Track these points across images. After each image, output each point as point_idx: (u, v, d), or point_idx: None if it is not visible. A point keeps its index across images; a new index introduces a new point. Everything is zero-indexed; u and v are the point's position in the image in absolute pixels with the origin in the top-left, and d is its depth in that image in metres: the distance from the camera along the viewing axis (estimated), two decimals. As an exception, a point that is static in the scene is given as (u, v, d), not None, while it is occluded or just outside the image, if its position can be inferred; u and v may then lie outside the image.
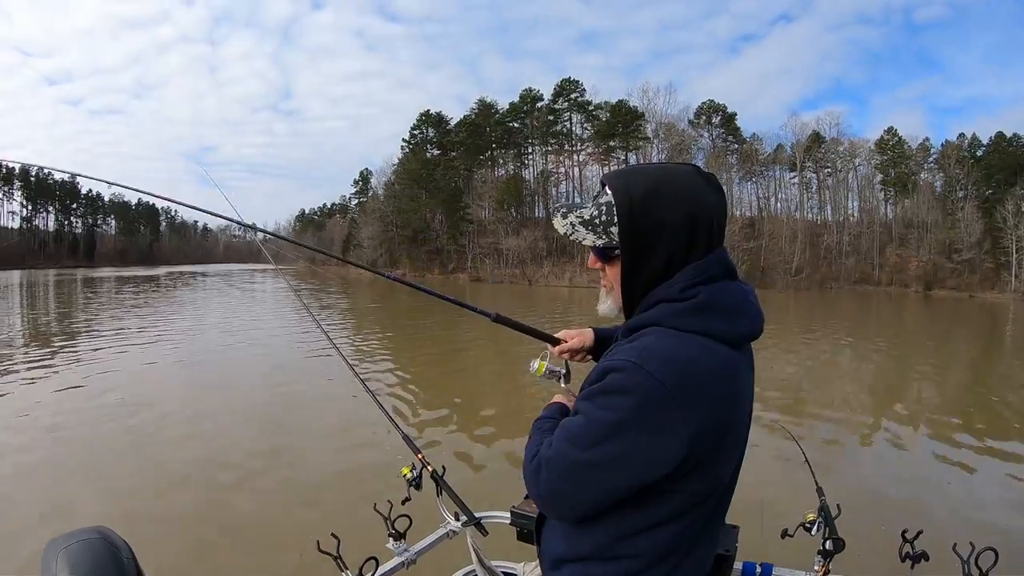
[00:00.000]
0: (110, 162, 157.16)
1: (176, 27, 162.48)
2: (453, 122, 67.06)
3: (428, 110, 68.39)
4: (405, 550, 1.96)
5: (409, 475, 2.07)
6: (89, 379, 10.14)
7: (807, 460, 2.36)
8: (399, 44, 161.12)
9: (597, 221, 1.16)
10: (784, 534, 1.89)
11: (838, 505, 1.95)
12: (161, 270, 77.46)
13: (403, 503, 2.00)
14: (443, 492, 2.11)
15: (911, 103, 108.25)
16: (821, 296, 49.59)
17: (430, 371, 12.25)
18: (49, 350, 14.02)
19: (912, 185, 59.88)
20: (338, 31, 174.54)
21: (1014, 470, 6.65)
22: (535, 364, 1.69)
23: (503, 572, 2.10)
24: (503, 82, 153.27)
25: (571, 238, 1.20)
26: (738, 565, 1.85)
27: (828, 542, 1.81)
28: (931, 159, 62.10)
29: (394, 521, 1.95)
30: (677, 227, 1.10)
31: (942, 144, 61.45)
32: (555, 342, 1.67)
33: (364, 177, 73.44)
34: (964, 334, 25.16)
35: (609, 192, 1.15)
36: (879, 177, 61.68)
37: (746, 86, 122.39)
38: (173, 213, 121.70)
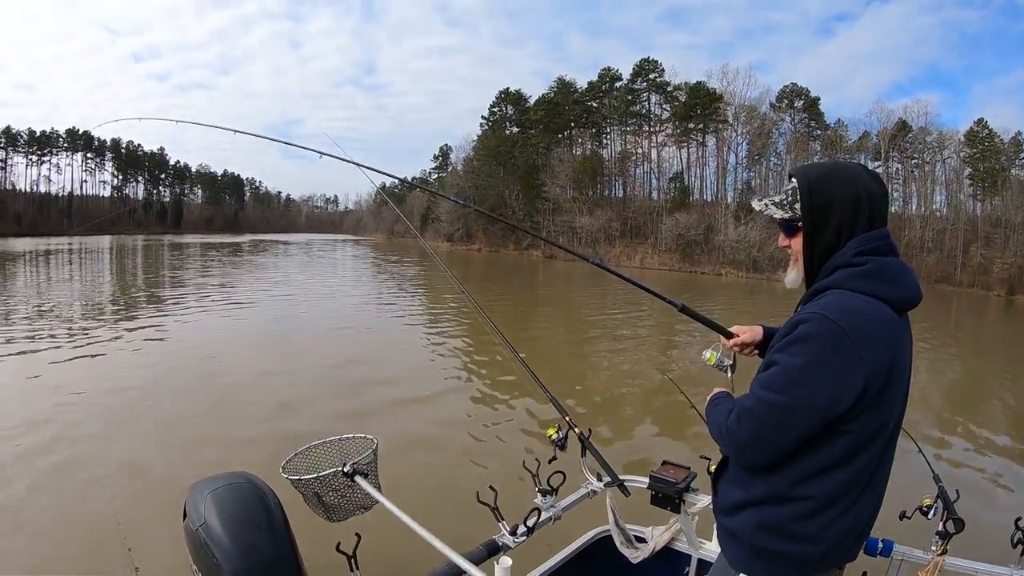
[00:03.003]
0: (195, 134, 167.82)
1: (259, 4, 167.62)
2: (532, 100, 67.71)
3: (508, 88, 69.39)
4: (552, 505, 2.06)
5: (555, 436, 2.16)
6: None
7: (920, 450, 2.46)
8: (480, 19, 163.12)
9: (784, 201, 1.47)
10: (903, 516, 2.01)
11: (957, 491, 2.05)
12: (245, 237, 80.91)
13: (549, 462, 2.10)
14: (587, 453, 2.22)
15: (1011, 92, 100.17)
16: None
17: (549, 344, 12.97)
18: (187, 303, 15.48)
19: (1001, 182, 57.40)
20: (419, 6, 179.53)
21: None
22: (707, 353, 1.81)
23: (635, 535, 2.27)
24: (585, 59, 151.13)
25: (765, 214, 1.49)
26: None
27: (948, 523, 1.92)
28: (1023, 154, 59.28)
29: (548, 478, 2.05)
30: (845, 204, 1.37)
31: None
32: (728, 335, 1.79)
33: (444, 152, 76.21)
34: None
35: (794, 180, 1.46)
36: (967, 171, 59.01)
37: (836, 70, 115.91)
38: (258, 183, 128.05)
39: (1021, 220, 55.11)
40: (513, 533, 1.86)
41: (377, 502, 1.89)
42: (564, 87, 66.08)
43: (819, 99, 58.70)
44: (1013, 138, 58.99)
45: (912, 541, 2.03)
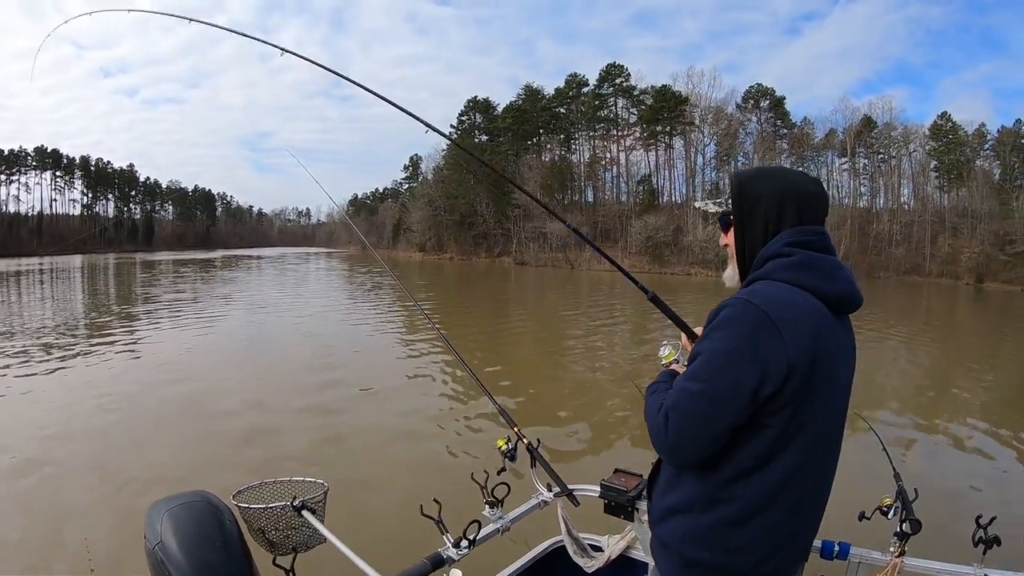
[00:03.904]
0: (166, 150, 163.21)
1: (228, 16, 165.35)
2: (500, 108, 67.96)
3: (476, 96, 69.60)
4: (500, 517, 2.04)
5: (504, 447, 2.15)
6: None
7: (884, 448, 2.43)
8: (450, 27, 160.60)
9: (721, 199, 1.56)
10: (861, 516, 1.98)
11: (915, 490, 2.03)
12: (217, 253, 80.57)
13: (498, 473, 2.07)
14: (537, 464, 2.21)
15: (976, 86, 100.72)
16: (869, 286, 48.57)
17: (502, 352, 12.87)
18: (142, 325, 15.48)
19: (967, 173, 58.03)
20: (389, 15, 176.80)
21: None
22: (665, 351, 1.78)
23: (589, 543, 2.25)
24: (555, 65, 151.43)
25: (703, 210, 1.60)
26: (817, 543, 1.91)
27: (905, 524, 1.89)
28: (987, 146, 59.86)
29: (492, 489, 2.02)
30: (772, 200, 1.41)
31: (998, 130, 59.01)
32: (692, 335, 1.73)
33: (414, 162, 75.84)
34: (1019, 330, 25.02)
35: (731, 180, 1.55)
36: (933, 164, 59.62)
37: (804, 69, 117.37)
38: (229, 198, 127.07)
39: (987, 210, 55.85)
40: (456, 546, 1.83)
41: (322, 541, 1.91)
42: (532, 94, 66.45)
43: (784, 98, 59.88)
44: (977, 130, 59.96)
45: (876, 542, 1.97)
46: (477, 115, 68.78)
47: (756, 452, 1.31)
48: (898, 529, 1.91)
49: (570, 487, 2.20)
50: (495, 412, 2.36)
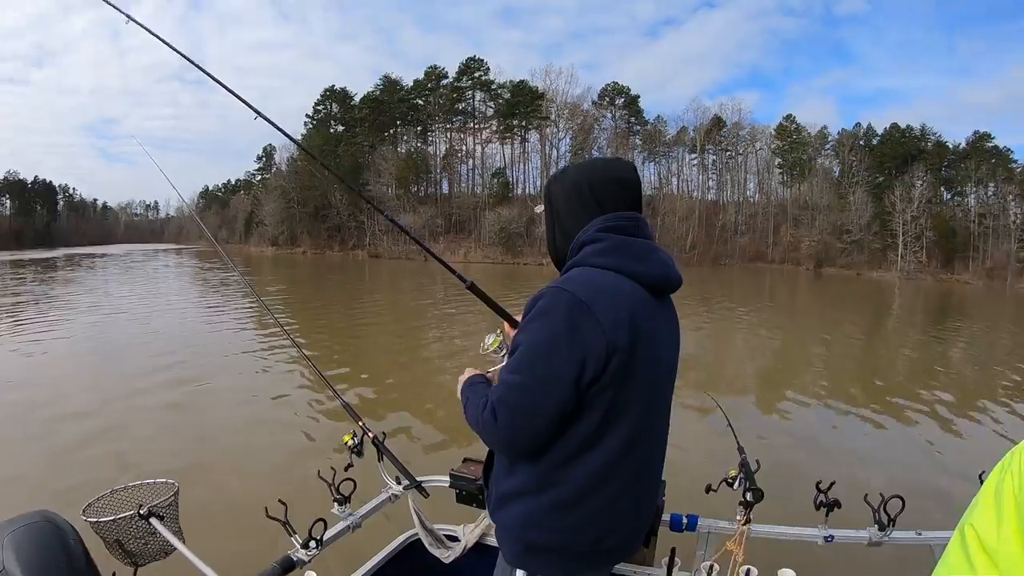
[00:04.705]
0: (3, 136, 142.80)
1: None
2: (358, 98, 65.65)
3: (333, 85, 66.78)
4: (350, 514, 2.00)
5: (351, 442, 2.13)
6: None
7: (729, 424, 2.49)
8: (312, 12, 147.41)
9: (544, 201, 1.51)
10: (708, 489, 2.02)
11: (757, 461, 2.07)
12: (59, 252, 73.32)
13: (346, 469, 2.02)
14: (384, 457, 2.18)
15: (824, 92, 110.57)
16: (715, 272, 50.86)
17: (354, 345, 12.37)
18: None
19: (808, 170, 62.02)
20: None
21: (917, 430, 7.35)
22: (490, 339, 1.70)
23: (444, 534, 2.21)
24: (419, 55, 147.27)
25: (538, 212, 1.54)
26: (667, 517, 1.99)
27: (748, 493, 1.95)
28: (828, 146, 64.39)
29: (338, 486, 1.97)
30: (571, 190, 1.41)
31: (839, 132, 63.97)
32: (514, 323, 1.66)
33: (267, 152, 70.85)
34: (857, 309, 26.66)
35: None
36: (777, 161, 63.71)
37: (662, 70, 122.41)
38: (72, 191, 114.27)
39: (826, 203, 60.11)
40: (305, 547, 1.78)
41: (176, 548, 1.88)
42: (390, 85, 64.73)
43: (639, 97, 62.29)
44: (820, 131, 64.48)
45: (730, 514, 2.02)
46: (334, 105, 65.98)
47: (585, 434, 1.30)
48: (742, 499, 1.95)
49: (419, 479, 2.18)
50: (340, 411, 2.26)
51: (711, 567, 1.95)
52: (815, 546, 1.98)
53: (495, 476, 1.47)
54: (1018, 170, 56.30)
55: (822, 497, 1.91)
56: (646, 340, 1.31)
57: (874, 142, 62.17)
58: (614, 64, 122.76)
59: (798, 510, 2.15)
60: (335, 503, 1.98)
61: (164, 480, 2.07)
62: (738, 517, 1.96)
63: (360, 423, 2.19)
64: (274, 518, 1.74)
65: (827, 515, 1.92)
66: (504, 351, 1.68)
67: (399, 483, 2.19)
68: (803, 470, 5.14)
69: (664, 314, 1.42)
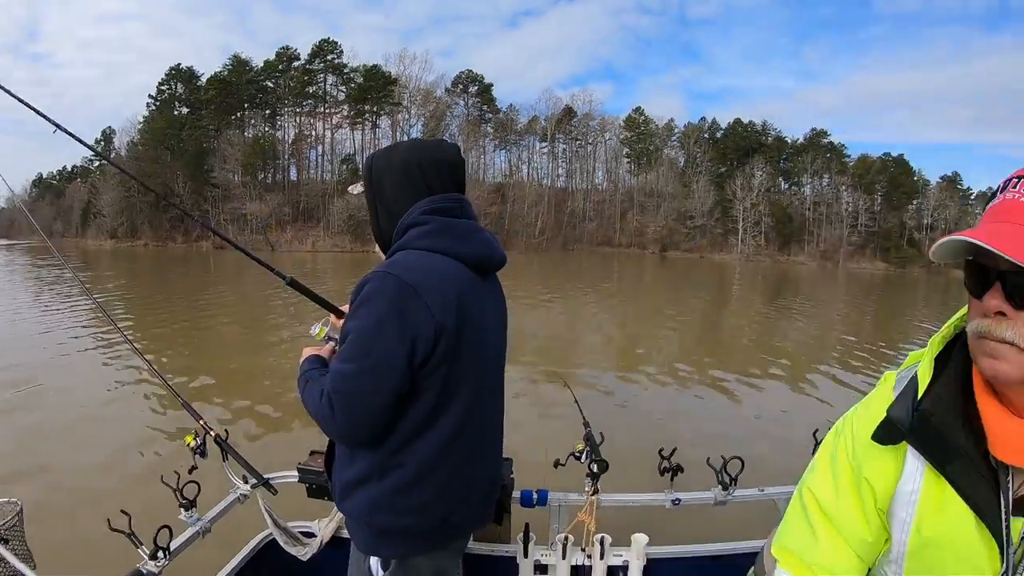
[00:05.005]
0: None
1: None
2: (205, 78, 62.07)
3: (179, 64, 62.84)
4: (198, 519, 1.92)
5: (193, 443, 2.03)
6: None
7: (576, 400, 2.52)
8: None
9: (364, 180, 1.50)
10: (557, 464, 2.01)
11: (601, 433, 2.11)
12: None
13: (190, 472, 1.95)
14: (229, 456, 2.10)
15: (673, 87, 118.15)
16: (564, 256, 53.20)
17: (194, 343, 11.76)
18: None
19: (655, 159, 65.98)
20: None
21: (755, 397, 7.88)
22: (316, 328, 1.69)
23: (300, 531, 2.15)
24: (274, 35, 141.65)
25: (355, 193, 1.54)
26: (517, 494, 2.03)
27: (594, 464, 2.01)
28: (674, 138, 68.97)
29: (182, 490, 1.88)
30: (400, 170, 1.40)
31: (685, 125, 68.73)
32: (340, 314, 1.68)
33: (106, 136, 65.80)
34: (700, 288, 28.40)
35: None
36: (625, 151, 67.43)
37: (519, 59, 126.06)
38: None
39: (671, 191, 64.24)
40: (154, 557, 1.67)
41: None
42: (239, 65, 61.83)
43: (493, 85, 63.30)
44: (667, 124, 69.01)
45: (581, 487, 2.05)
46: (179, 85, 62.34)
47: (421, 415, 1.33)
48: (588, 470, 2.01)
49: (267, 476, 2.10)
50: (194, 407, 2.19)
51: (566, 538, 2.05)
52: (664, 510, 2.06)
53: (337, 466, 1.48)
54: (851, 164, 63.67)
55: (665, 463, 1.99)
56: (474, 320, 1.36)
57: (718, 135, 67.48)
58: (472, 52, 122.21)
59: (648, 478, 2.19)
60: (181, 509, 1.91)
61: (6, 500, 1.94)
62: (587, 488, 2.02)
63: (201, 422, 2.10)
64: (118, 530, 1.65)
65: (672, 479, 2.01)
66: (329, 341, 1.70)
67: (246, 482, 2.12)
68: (648, 439, 5.30)
69: (490, 293, 1.47)
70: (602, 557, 2.07)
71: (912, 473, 0.83)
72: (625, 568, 2.11)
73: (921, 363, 0.85)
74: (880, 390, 0.90)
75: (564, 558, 2.08)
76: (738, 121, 67.78)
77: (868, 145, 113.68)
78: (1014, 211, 0.72)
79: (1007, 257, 0.67)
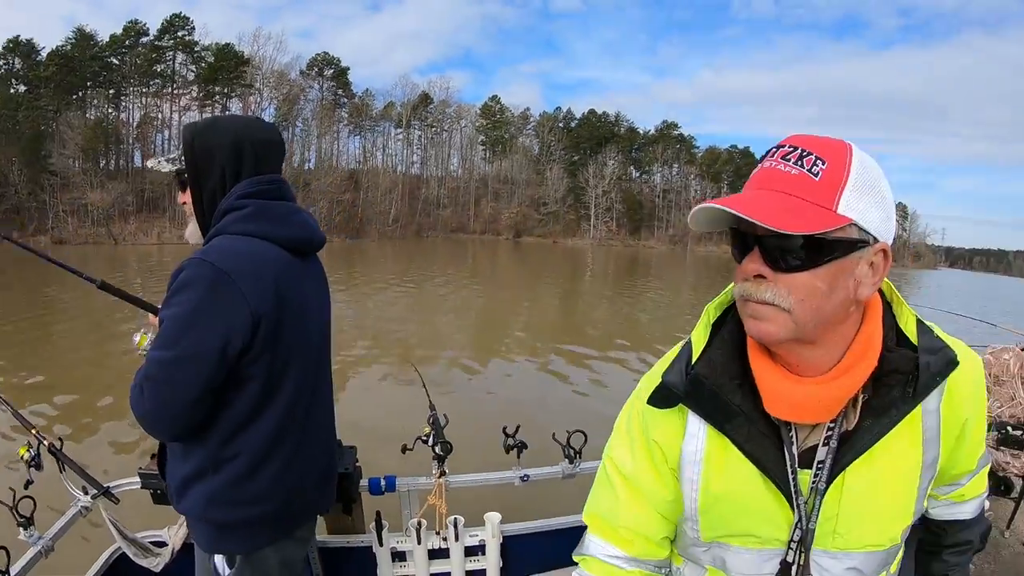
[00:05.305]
0: None
1: None
2: (45, 52, 58.47)
3: (18, 36, 58.79)
4: (39, 538, 1.79)
5: (27, 455, 1.91)
6: None
7: (424, 385, 2.51)
8: None
9: (175, 157, 1.46)
10: (404, 449, 2.04)
11: (445, 415, 2.15)
12: None
13: (26, 487, 1.82)
14: (66, 466, 1.95)
15: (532, 77, 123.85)
16: (418, 244, 53.47)
17: (23, 347, 10.62)
18: None
19: (510, 147, 68.65)
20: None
21: (598, 373, 8.23)
22: (137, 337, 1.60)
23: (150, 541, 2.03)
24: (126, 9, 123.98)
25: (155, 169, 1.50)
26: (364, 482, 2.01)
27: (438, 447, 2.03)
28: (530, 126, 71.67)
29: (17, 507, 1.75)
30: (226, 149, 1.35)
31: (540, 114, 71.58)
32: (156, 312, 1.61)
33: (-74, 116, 61.94)
34: (553, 271, 29.75)
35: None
36: (480, 138, 69.25)
37: (378, 44, 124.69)
38: None
39: (525, 178, 67.39)
40: None
41: None
42: (83, 39, 58.21)
43: (348, 69, 62.54)
44: (523, 113, 71.54)
45: (429, 470, 2.09)
46: (16, 60, 58.83)
47: (248, 404, 1.32)
48: (434, 453, 2.05)
49: (107, 484, 2.01)
50: (31, 418, 2.03)
51: (419, 523, 2.06)
52: (513, 487, 2.10)
53: (170, 465, 1.42)
54: (699, 155, 69.70)
55: (510, 440, 2.03)
56: (293, 305, 1.34)
57: (572, 125, 70.87)
58: (331, 34, 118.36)
59: (497, 457, 2.17)
60: (20, 528, 1.75)
61: None
62: (434, 472, 2.03)
63: (34, 431, 1.96)
64: None
65: (519, 456, 2.05)
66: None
67: (87, 493, 1.97)
68: (495, 420, 6.07)
69: (311, 275, 1.46)
70: (457, 539, 2.07)
71: (695, 433, 0.85)
72: (482, 547, 2.12)
73: (695, 329, 0.88)
74: (668, 355, 0.92)
75: (420, 543, 2.07)
76: (592, 111, 71.42)
77: (716, 137, 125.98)
78: (771, 178, 0.73)
79: (760, 223, 0.68)
